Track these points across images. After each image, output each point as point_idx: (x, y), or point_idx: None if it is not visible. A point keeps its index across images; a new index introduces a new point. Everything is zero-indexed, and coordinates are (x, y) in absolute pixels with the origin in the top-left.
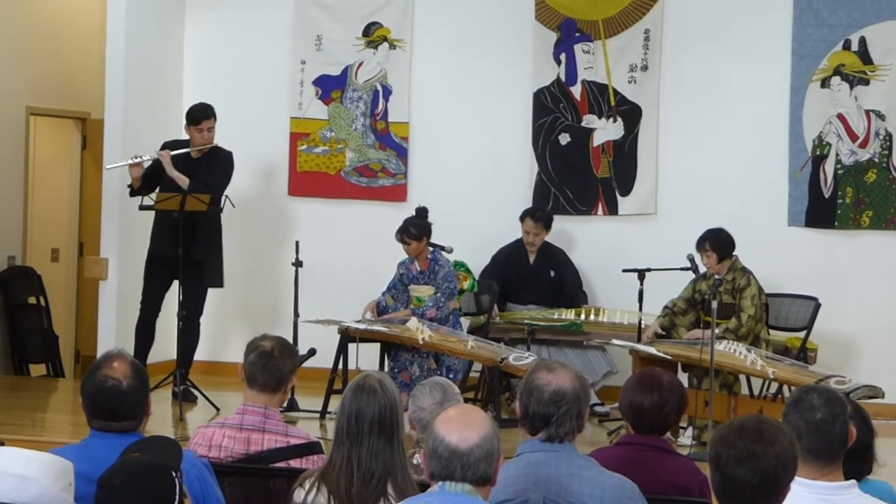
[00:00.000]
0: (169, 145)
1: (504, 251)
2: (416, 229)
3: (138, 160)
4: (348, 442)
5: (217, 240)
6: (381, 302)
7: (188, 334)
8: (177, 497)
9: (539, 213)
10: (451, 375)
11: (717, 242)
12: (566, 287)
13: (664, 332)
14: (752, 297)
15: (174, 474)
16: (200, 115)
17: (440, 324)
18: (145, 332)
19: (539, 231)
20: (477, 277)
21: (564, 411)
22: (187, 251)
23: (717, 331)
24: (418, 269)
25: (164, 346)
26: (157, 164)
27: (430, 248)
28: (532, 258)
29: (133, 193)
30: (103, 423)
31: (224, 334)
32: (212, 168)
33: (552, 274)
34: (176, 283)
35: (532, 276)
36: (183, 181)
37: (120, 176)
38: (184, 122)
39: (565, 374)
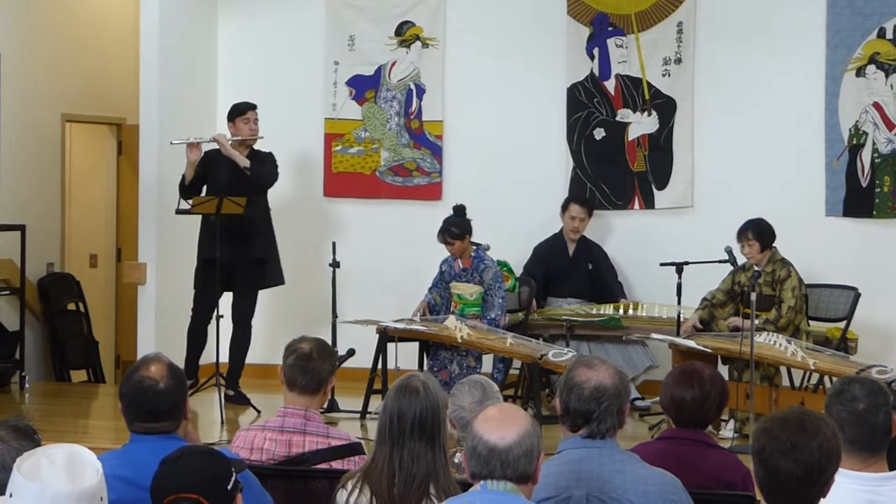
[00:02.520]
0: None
1: (544, 245)
2: (457, 229)
3: (199, 140)
4: (390, 441)
5: (273, 237)
6: (430, 300)
7: (243, 337)
8: (232, 480)
9: (585, 199)
10: (499, 367)
11: (760, 231)
12: (604, 280)
13: (703, 325)
14: (793, 289)
15: (232, 468)
16: (246, 105)
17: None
18: (198, 338)
19: (584, 217)
20: (516, 272)
21: (605, 407)
22: (243, 252)
23: (757, 322)
24: (461, 266)
25: (207, 349)
26: (205, 165)
27: (474, 247)
28: (571, 250)
29: (184, 188)
30: (143, 424)
31: (261, 336)
32: (258, 163)
33: (590, 267)
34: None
35: (571, 269)
36: (242, 161)
37: (157, 180)
38: (225, 122)
39: (605, 370)
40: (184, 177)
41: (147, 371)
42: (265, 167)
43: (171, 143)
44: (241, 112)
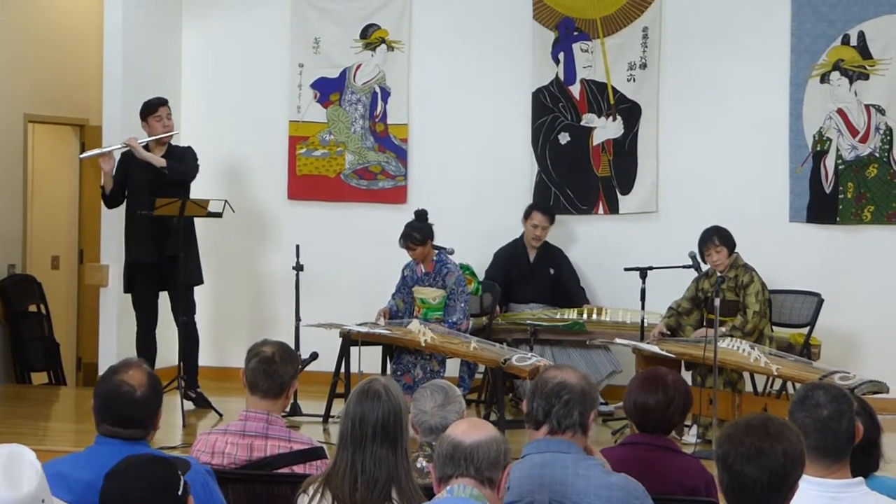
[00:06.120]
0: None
1: (504, 250)
2: (419, 234)
3: (108, 149)
4: (352, 446)
5: (190, 236)
6: (393, 307)
7: (186, 336)
8: (181, 487)
9: (548, 207)
10: (464, 376)
11: (725, 236)
12: (565, 285)
13: (669, 332)
14: (756, 294)
15: (179, 472)
16: (157, 101)
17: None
18: (147, 346)
19: (546, 225)
20: (479, 277)
21: (566, 401)
22: (160, 252)
23: (723, 329)
24: (423, 270)
25: (164, 351)
26: (122, 169)
27: (436, 251)
28: (532, 256)
29: (106, 199)
30: (111, 428)
31: (225, 339)
32: (177, 159)
33: (552, 272)
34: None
35: (533, 274)
36: (159, 161)
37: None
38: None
39: (572, 372)
40: (103, 188)
41: (126, 376)
42: (185, 163)
43: (80, 158)
44: (152, 110)
